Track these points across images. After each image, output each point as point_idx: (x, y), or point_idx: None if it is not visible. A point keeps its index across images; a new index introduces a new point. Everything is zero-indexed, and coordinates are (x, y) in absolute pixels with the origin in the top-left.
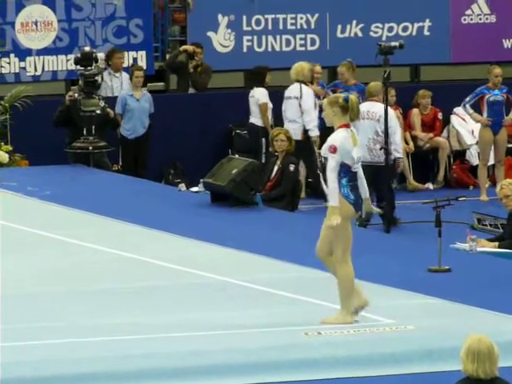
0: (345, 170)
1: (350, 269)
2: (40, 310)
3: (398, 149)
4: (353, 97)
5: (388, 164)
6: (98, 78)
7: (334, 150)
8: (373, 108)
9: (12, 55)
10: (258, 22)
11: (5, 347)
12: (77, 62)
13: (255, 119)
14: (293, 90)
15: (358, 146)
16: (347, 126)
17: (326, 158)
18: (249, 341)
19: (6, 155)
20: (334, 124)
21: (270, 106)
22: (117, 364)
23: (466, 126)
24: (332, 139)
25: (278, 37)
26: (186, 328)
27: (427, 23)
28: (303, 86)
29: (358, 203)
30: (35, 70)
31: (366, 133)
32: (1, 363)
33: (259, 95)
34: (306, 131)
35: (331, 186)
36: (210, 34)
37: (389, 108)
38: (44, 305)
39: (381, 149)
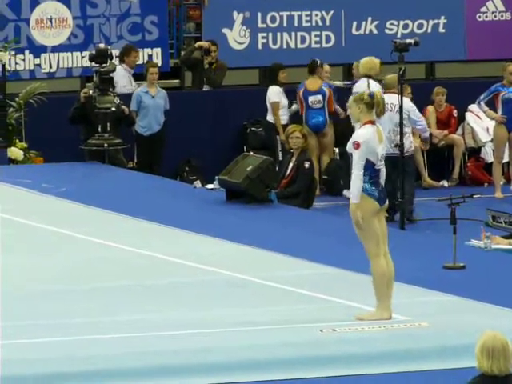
0: (368, 167)
1: (383, 263)
2: (52, 306)
3: (423, 129)
4: (377, 92)
5: (407, 160)
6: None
7: (357, 145)
8: (391, 100)
9: (27, 52)
10: (273, 19)
11: (14, 344)
12: (92, 58)
13: (270, 117)
14: (361, 86)
15: (384, 143)
16: (372, 122)
17: (351, 155)
18: (263, 338)
19: (21, 152)
20: (360, 121)
21: (285, 103)
22: (129, 361)
23: (481, 123)
24: (356, 135)
25: (293, 34)
26: (200, 325)
27: (442, 20)
28: (371, 81)
29: (382, 197)
30: (50, 66)
31: (386, 124)
32: (21, 359)
33: (271, 94)
34: None
35: (354, 182)
36: (225, 30)
37: (407, 99)
38: (56, 302)
39: (395, 146)
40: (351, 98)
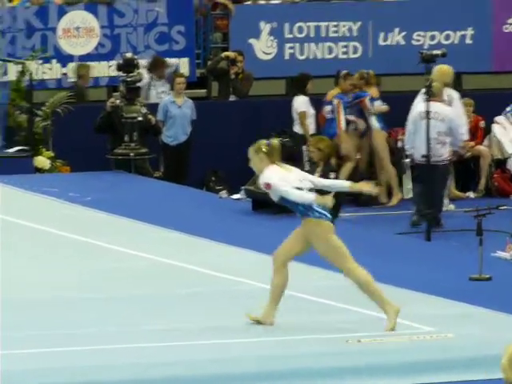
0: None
1: (361, 270)
2: (73, 316)
3: (459, 143)
4: (274, 141)
5: (442, 168)
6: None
7: (268, 186)
8: (435, 108)
9: (54, 61)
10: (300, 30)
11: (33, 353)
12: (119, 68)
13: (297, 127)
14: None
15: (292, 170)
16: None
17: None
18: (288, 348)
19: (48, 161)
20: (262, 170)
21: (311, 113)
22: (137, 372)
23: (508, 134)
24: (263, 178)
25: (320, 44)
26: (223, 335)
27: (469, 32)
28: (449, 89)
29: (331, 214)
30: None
31: (428, 133)
32: (42, 368)
33: (298, 104)
34: None
35: (295, 195)
36: (252, 41)
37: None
38: (78, 311)
39: (422, 156)
40: (250, 150)
